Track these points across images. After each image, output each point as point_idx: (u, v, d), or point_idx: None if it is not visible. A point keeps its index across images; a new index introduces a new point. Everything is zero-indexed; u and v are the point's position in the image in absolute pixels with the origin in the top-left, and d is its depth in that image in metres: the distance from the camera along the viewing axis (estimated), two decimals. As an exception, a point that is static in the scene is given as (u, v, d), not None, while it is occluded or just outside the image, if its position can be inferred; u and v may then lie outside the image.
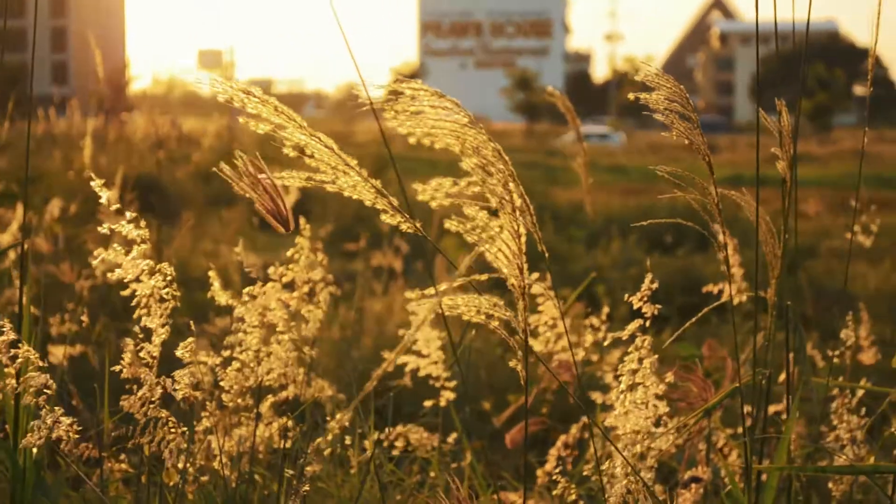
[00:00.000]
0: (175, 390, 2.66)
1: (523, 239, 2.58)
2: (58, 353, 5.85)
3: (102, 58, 12.59)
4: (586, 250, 14.29)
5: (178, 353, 2.75)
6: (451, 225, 2.63)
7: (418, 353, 3.82)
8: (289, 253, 3.51)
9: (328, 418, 3.93)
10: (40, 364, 2.66)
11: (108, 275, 2.65)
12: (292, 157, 2.60)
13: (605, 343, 2.80)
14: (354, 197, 2.61)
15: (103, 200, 2.76)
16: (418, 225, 2.58)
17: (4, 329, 2.67)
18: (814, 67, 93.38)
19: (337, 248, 13.28)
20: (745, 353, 3.84)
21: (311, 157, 2.56)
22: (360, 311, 7.59)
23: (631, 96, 2.69)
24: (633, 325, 2.76)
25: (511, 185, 2.56)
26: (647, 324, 2.77)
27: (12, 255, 7.25)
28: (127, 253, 2.79)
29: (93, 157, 9.27)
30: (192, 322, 3.07)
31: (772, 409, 3.84)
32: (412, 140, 2.76)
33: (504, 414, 4.02)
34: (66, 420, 2.62)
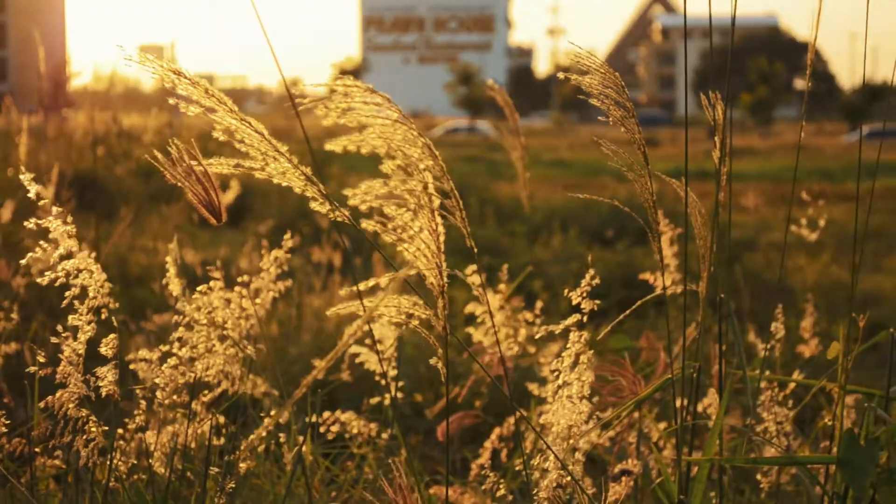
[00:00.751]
0: (99, 388, 2.64)
1: (442, 238, 2.58)
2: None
3: (43, 53, 12.49)
4: (528, 245, 14.31)
5: (102, 349, 2.73)
6: (368, 225, 2.62)
7: (370, 347, 3.81)
8: (241, 251, 3.47)
9: (263, 415, 3.92)
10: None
11: (45, 274, 2.62)
12: (231, 150, 2.59)
13: (537, 336, 2.79)
14: (283, 184, 2.59)
15: (31, 195, 2.73)
16: (346, 213, 2.57)
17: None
18: (755, 61, 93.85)
19: (277, 244, 13.22)
20: (678, 344, 3.85)
21: (242, 142, 2.54)
22: (300, 306, 7.57)
23: (561, 76, 2.69)
24: (570, 320, 2.76)
25: (441, 182, 2.56)
26: (586, 318, 2.77)
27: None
28: (56, 249, 2.76)
29: (31, 154, 9.19)
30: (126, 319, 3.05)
31: (706, 401, 3.85)
32: (338, 148, 2.74)
33: (436, 407, 4.01)
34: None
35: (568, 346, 2.81)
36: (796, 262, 13.38)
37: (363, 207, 2.91)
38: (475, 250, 2.62)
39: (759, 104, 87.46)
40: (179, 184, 2.54)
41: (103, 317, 2.78)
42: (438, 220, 2.55)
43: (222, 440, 3.57)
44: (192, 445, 3.54)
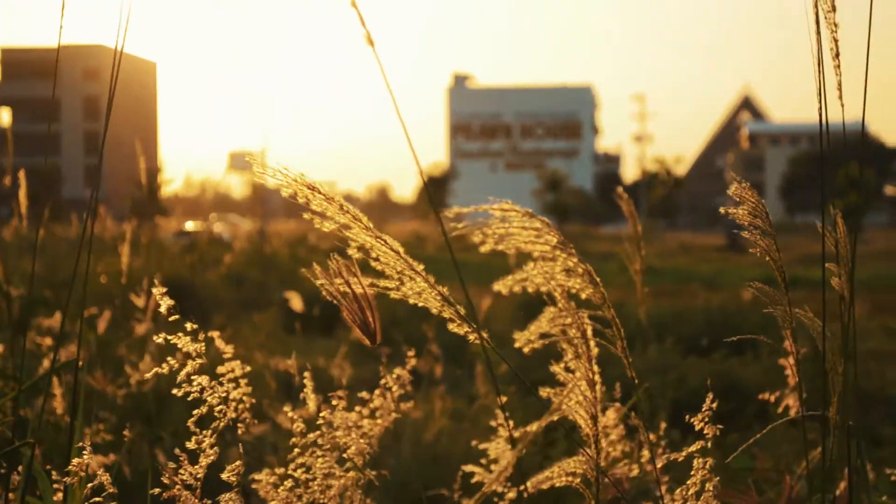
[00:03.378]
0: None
1: (599, 387, 2.50)
2: (92, 464, 5.75)
3: (135, 160, 12.64)
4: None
5: (224, 476, 2.65)
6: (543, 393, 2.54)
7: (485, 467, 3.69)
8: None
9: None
10: (111, 490, 2.57)
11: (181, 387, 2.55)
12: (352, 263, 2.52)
13: (660, 465, 2.70)
14: (420, 304, 2.52)
15: (162, 309, 2.66)
16: (486, 336, 2.49)
17: (85, 452, 2.60)
18: (845, 167, 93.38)
19: (369, 353, 13.18)
20: (801, 468, 3.72)
21: (377, 259, 2.47)
22: (399, 418, 7.47)
23: (722, 210, 2.61)
24: (694, 447, 2.66)
25: (602, 311, 2.48)
26: (709, 444, 2.67)
27: (46, 362, 7.17)
28: (182, 364, 2.69)
29: (127, 262, 9.23)
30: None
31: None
32: (504, 289, 2.68)
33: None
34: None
35: (692, 472, 2.71)
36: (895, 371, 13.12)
37: (526, 350, 2.83)
38: (636, 380, 2.53)
39: (849, 210, 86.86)
40: (335, 301, 2.46)
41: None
42: (596, 368, 2.47)
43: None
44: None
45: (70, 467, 2.65)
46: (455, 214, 2.66)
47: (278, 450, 7.08)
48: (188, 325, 2.69)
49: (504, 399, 3.57)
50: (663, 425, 4.17)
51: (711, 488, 2.66)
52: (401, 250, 2.48)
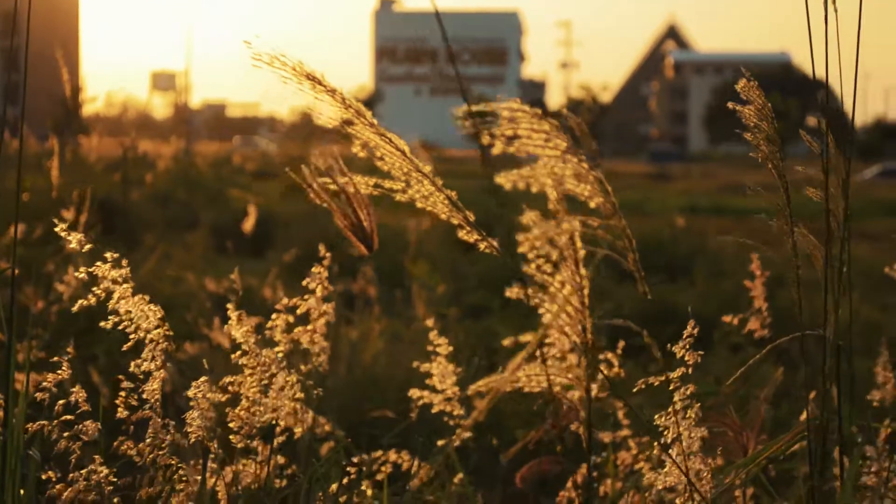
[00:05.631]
0: (187, 433, 2.44)
1: (587, 291, 2.39)
2: (22, 380, 5.60)
3: (55, 78, 12.39)
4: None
5: (190, 392, 2.52)
6: (511, 294, 2.42)
7: (432, 388, 3.59)
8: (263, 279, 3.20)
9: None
10: (85, 408, 2.45)
11: (109, 318, 2.43)
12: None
13: (635, 390, 2.60)
14: (427, 208, 2.38)
15: (74, 245, 2.52)
16: (495, 244, 2.38)
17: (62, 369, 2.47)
18: (769, 98, 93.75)
19: (301, 274, 13.03)
20: (764, 391, 3.66)
21: (382, 159, 2.32)
22: (335, 338, 7.36)
23: (731, 105, 2.50)
24: (675, 373, 2.57)
25: (612, 221, 2.37)
26: (689, 370, 2.58)
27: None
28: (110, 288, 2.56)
29: (57, 177, 9.03)
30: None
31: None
32: (507, 183, 2.56)
33: (511, 450, 3.80)
34: (103, 470, 2.41)
35: (674, 399, 2.62)
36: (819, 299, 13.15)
37: (531, 255, 2.71)
38: (649, 296, 2.43)
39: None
40: (325, 204, 2.32)
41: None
42: (583, 272, 2.36)
43: (284, 482, 3.37)
44: (253, 488, 3.33)
45: (45, 382, 2.52)
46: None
47: (212, 370, 6.95)
48: (108, 255, 2.56)
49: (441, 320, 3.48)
50: (622, 343, 4.09)
51: (693, 414, 2.58)
52: (406, 149, 2.34)
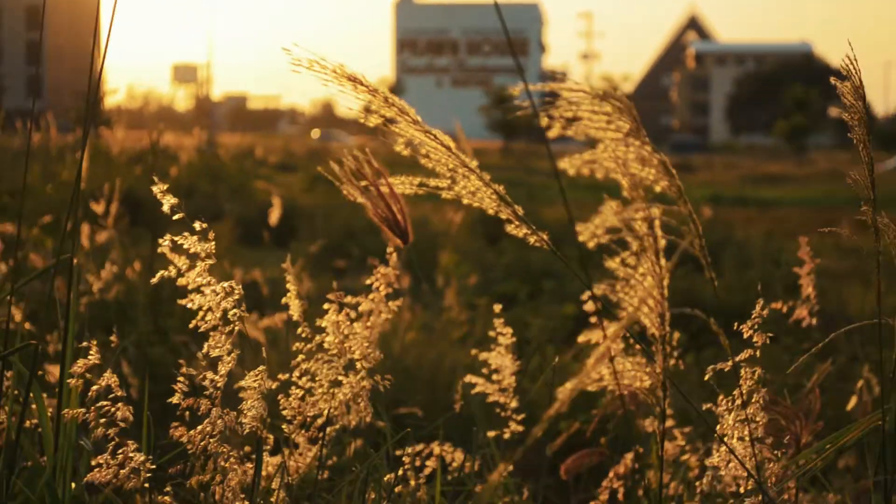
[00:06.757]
0: (241, 423, 2.40)
1: (666, 282, 2.35)
2: (55, 372, 5.59)
3: (78, 72, 12.38)
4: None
5: (245, 382, 2.48)
6: (611, 264, 2.38)
7: (487, 377, 3.53)
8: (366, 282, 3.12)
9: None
10: (120, 393, 2.41)
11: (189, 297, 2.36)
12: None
13: (707, 377, 2.56)
14: (475, 205, 2.34)
15: (165, 209, 2.47)
16: (545, 238, 2.34)
17: (91, 354, 2.44)
18: (790, 89, 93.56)
19: (326, 266, 13.02)
20: (811, 381, 3.60)
21: (427, 156, 2.29)
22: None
23: (833, 80, 2.42)
24: (743, 355, 2.53)
25: (679, 205, 2.32)
26: (757, 353, 2.53)
27: (2, 266, 6.96)
28: (190, 267, 2.51)
29: (73, 171, 9.02)
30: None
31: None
32: (571, 169, 2.52)
33: (557, 442, 3.76)
34: (139, 456, 2.37)
35: (740, 383, 2.58)
36: (851, 291, 13.09)
37: (591, 244, 2.67)
38: (715, 283, 2.38)
39: (794, 131, 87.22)
40: (359, 200, 2.29)
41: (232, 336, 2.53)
42: (663, 262, 2.32)
43: (326, 473, 3.34)
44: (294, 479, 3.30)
45: (73, 368, 2.48)
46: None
47: (244, 361, 6.92)
48: (197, 225, 2.51)
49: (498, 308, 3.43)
50: (677, 335, 4.05)
51: (759, 399, 2.54)
52: (452, 145, 2.30)
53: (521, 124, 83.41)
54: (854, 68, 2.35)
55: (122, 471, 2.42)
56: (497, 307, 3.43)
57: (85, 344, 2.49)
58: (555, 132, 2.39)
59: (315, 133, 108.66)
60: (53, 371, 5.62)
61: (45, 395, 2.93)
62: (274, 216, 13.08)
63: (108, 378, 2.50)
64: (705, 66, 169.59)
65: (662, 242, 2.37)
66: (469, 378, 3.57)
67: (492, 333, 3.53)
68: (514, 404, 3.46)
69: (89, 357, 2.48)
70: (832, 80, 2.36)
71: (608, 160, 2.40)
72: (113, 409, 2.46)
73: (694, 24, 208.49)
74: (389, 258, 2.96)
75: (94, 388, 2.46)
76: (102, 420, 2.45)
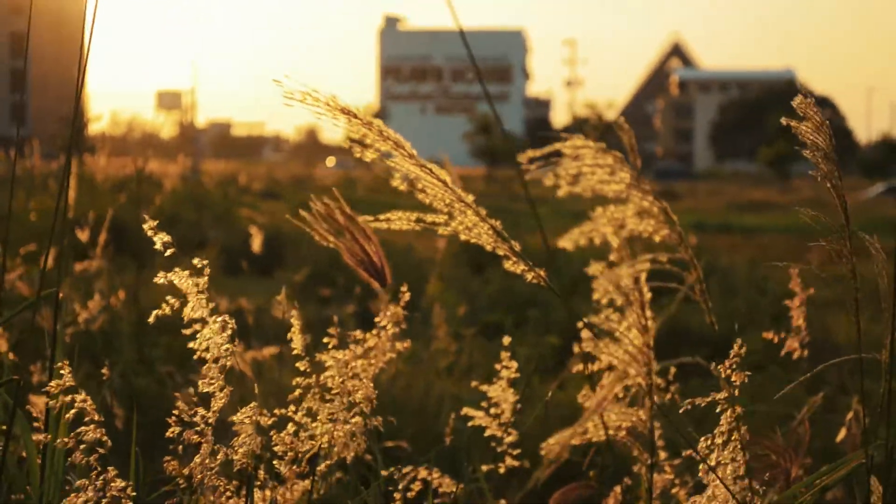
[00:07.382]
0: (232, 459, 2.39)
1: (652, 333, 2.35)
2: (39, 403, 5.56)
3: (62, 99, 12.39)
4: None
5: (236, 417, 2.47)
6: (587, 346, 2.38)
7: (485, 410, 3.51)
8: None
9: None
10: (96, 417, 2.39)
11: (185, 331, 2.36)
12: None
13: (681, 411, 2.55)
14: (472, 241, 2.34)
15: (158, 246, 2.46)
16: (543, 274, 2.34)
17: (64, 375, 2.41)
18: (774, 115, 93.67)
19: (311, 294, 12.99)
20: (801, 412, 3.61)
21: (423, 191, 2.28)
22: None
23: (784, 121, 2.44)
24: (721, 395, 2.52)
25: (679, 251, 2.33)
26: (736, 392, 2.53)
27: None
28: (183, 304, 2.50)
29: (55, 199, 9.00)
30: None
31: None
32: (569, 245, 2.52)
33: (545, 473, 3.74)
34: (119, 482, 2.35)
35: (721, 422, 2.57)
36: (836, 320, 13.11)
37: (604, 301, 2.67)
38: (716, 327, 2.38)
39: (778, 158, 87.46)
40: (330, 244, 2.28)
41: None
42: (649, 314, 2.32)
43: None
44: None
45: (50, 386, 2.45)
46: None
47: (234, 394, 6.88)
48: (193, 262, 2.50)
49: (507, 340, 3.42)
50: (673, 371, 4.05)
51: (738, 437, 2.53)
52: (448, 180, 2.30)
53: (503, 151, 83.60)
54: (812, 110, 2.37)
55: (103, 499, 2.40)
56: (506, 339, 3.41)
57: (59, 365, 2.46)
58: (563, 192, 2.40)
59: (330, 161, 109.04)
60: (38, 402, 5.60)
61: (33, 423, 2.92)
62: (255, 244, 13.06)
63: (81, 402, 2.47)
64: (689, 93, 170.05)
65: (648, 296, 2.38)
66: (467, 411, 3.55)
67: (497, 365, 3.51)
68: (510, 439, 3.45)
69: (63, 379, 2.45)
70: (783, 120, 2.38)
71: (605, 225, 2.40)
72: (86, 431, 2.43)
73: (677, 52, 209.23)
74: (401, 296, 2.94)
75: (69, 414, 2.44)
76: (82, 446, 2.42)
